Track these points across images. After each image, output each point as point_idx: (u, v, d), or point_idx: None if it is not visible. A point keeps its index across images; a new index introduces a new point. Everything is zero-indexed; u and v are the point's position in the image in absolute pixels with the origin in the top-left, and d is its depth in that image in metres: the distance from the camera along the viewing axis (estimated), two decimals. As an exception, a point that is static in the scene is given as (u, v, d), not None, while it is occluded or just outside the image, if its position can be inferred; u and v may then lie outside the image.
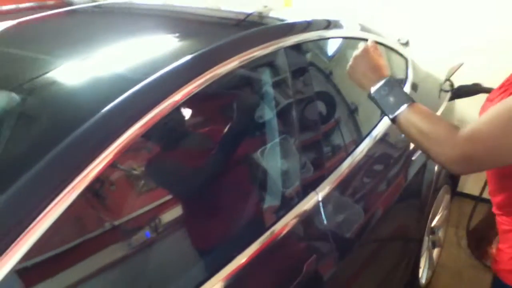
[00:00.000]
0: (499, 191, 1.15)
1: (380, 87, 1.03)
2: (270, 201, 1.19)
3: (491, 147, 0.84)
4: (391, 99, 1.00)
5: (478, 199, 2.60)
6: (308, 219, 1.20)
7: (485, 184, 1.43)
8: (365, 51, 1.11)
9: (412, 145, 1.80)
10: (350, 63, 1.12)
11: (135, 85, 0.88)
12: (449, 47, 2.89)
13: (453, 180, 2.56)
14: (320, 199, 1.25)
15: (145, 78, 0.90)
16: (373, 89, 1.04)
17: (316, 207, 1.24)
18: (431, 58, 2.76)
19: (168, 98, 0.89)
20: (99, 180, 0.79)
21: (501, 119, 0.83)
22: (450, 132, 0.89)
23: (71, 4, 1.81)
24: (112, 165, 0.80)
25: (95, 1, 1.84)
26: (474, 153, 0.85)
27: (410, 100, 0.98)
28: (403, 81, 2.11)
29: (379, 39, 1.83)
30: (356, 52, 1.12)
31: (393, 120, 1.00)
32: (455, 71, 2.53)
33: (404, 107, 0.97)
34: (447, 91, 2.49)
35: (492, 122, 0.84)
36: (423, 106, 0.98)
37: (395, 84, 1.02)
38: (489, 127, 0.84)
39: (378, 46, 1.14)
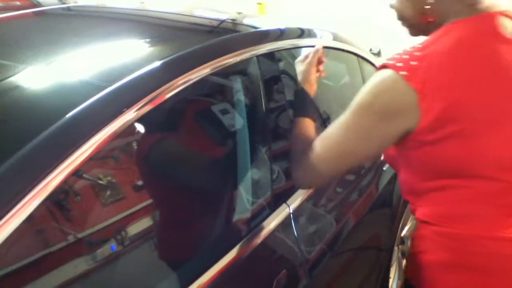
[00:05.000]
0: None
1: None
2: (240, 214, 1.17)
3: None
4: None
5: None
6: (278, 232, 1.18)
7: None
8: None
9: (383, 156, 1.81)
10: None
11: (101, 91, 0.85)
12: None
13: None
14: (291, 211, 1.24)
15: (112, 84, 0.87)
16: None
17: (287, 220, 1.22)
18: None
19: (136, 104, 0.86)
20: (62, 190, 0.75)
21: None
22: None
23: (39, 6, 1.76)
24: (77, 174, 0.77)
25: (64, 3, 1.80)
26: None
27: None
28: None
29: (351, 48, 1.84)
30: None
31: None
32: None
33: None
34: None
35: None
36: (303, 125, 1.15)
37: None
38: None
39: (318, 52, 1.29)
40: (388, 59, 0.94)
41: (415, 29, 1.06)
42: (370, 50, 2.47)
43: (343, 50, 1.78)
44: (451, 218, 1.01)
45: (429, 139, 0.92)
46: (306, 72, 1.24)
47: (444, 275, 1.05)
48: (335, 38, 1.73)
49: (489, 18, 0.94)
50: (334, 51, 1.76)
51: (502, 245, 0.97)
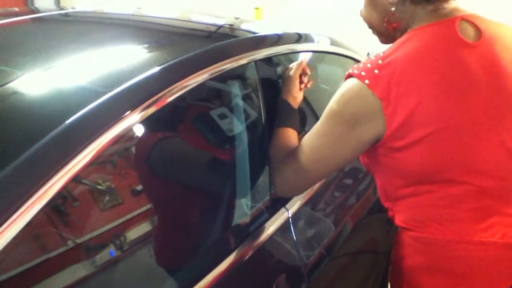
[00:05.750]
0: None
1: None
2: (239, 218, 1.17)
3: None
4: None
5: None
6: (277, 236, 1.18)
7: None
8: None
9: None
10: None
11: (100, 96, 0.85)
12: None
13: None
14: (290, 215, 1.24)
15: (111, 90, 0.88)
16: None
17: (286, 224, 1.22)
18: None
19: (134, 110, 0.86)
20: (61, 195, 0.75)
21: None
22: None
23: (37, 12, 1.77)
24: (75, 180, 0.77)
25: (62, 9, 1.80)
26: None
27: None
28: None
29: (348, 53, 1.85)
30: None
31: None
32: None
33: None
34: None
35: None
36: (283, 135, 1.18)
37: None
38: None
39: (301, 65, 1.32)
40: (354, 68, 0.97)
41: (384, 37, 1.09)
42: (368, 54, 2.47)
43: (340, 55, 1.79)
44: (425, 223, 1.02)
45: (397, 146, 0.94)
46: (289, 84, 1.27)
47: (422, 279, 1.07)
48: (332, 42, 1.74)
49: (451, 23, 0.96)
50: (332, 55, 1.77)
51: (476, 248, 0.98)
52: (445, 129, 0.91)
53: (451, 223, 0.99)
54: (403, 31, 1.01)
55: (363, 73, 0.94)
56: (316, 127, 1.04)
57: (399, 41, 0.98)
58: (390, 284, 1.24)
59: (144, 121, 0.88)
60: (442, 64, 0.93)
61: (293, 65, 1.31)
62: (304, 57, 1.36)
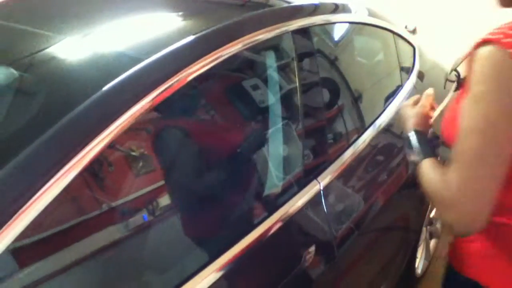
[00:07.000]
0: None
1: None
2: (271, 188, 1.17)
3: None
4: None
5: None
6: (308, 207, 1.19)
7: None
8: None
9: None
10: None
11: (136, 64, 0.86)
12: (456, 36, 2.85)
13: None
14: (321, 187, 1.24)
15: (147, 58, 0.88)
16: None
17: (317, 196, 1.22)
18: (438, 47, 2.73)
19: (169, 79, 0.87)
20: (97, 160, 0.77)
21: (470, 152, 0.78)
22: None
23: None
24: (111, 146, 0.79)
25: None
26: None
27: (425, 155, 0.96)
28: (409, 69, 2.08)
29: (387, 25, 1.80)
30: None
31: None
32: (462, 61, 2.48)
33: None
34: (452, 81, 2.46)
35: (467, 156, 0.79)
36: (431, 164, 0.92)
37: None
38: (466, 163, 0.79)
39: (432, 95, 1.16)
40: (490, 34, 0.79)
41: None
42: (406, 27, 2.40)
43: (378, 27, 1.74)
44: (502, 208, 0.89)
45: None
46: (420, 115, 1.10)
47: (490, 263, 0.98)
48: (370, 14, 1.70)
49: None
50: (369, 27, 1.72)
51: None
52: None
53: None
54: None
55: (505, 40, 0.76)
56: (465, 127, 0.81)
57: None
58: (451, 265, 1.15)
59: (176, 92, 0.89)
60: None
61: (418, 97, 1.16)
62: (431, 89, 1.20)
